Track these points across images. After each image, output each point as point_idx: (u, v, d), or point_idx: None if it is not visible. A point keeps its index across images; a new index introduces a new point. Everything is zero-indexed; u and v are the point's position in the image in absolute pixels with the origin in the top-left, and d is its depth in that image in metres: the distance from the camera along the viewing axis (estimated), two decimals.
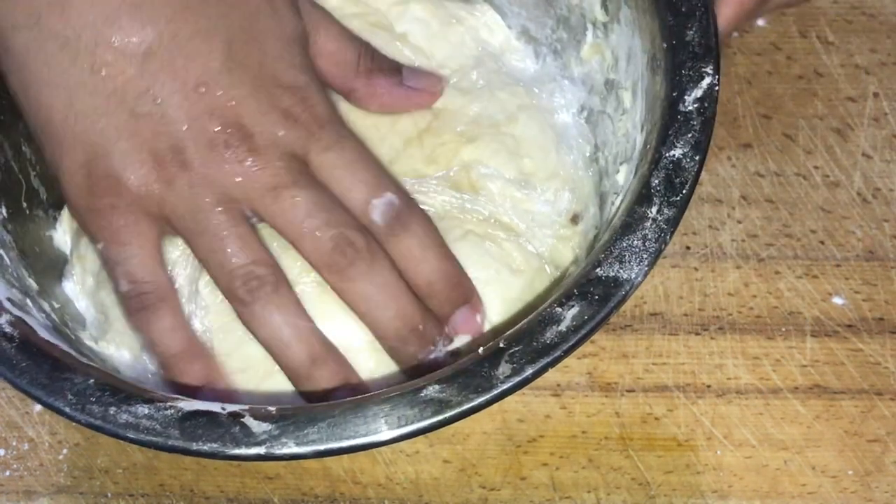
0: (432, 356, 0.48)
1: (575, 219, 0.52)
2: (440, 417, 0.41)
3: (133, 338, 0.50)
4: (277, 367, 0.48)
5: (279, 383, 0.48)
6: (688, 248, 0.56)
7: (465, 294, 0.48)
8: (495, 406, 0.42)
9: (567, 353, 0.42)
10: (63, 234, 0.54)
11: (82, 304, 0.52)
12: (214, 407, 0.42)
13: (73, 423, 0.52)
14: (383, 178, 0.48)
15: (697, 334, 0.55)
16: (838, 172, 0.58)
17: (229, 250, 0.45)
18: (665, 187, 0.44)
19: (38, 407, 0.54)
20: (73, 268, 0.53)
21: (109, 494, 0.52)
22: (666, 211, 0.44)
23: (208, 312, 0.49)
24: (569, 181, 0.52)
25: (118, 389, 0.43)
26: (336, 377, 0.46)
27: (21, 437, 0.54)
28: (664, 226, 0.44)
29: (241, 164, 0.45)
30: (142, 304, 0.46)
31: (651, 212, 0.44)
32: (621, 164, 0.49)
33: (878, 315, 0.55)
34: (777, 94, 0.60)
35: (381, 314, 0.46)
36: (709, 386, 0.54)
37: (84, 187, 0.46)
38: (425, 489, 0.52)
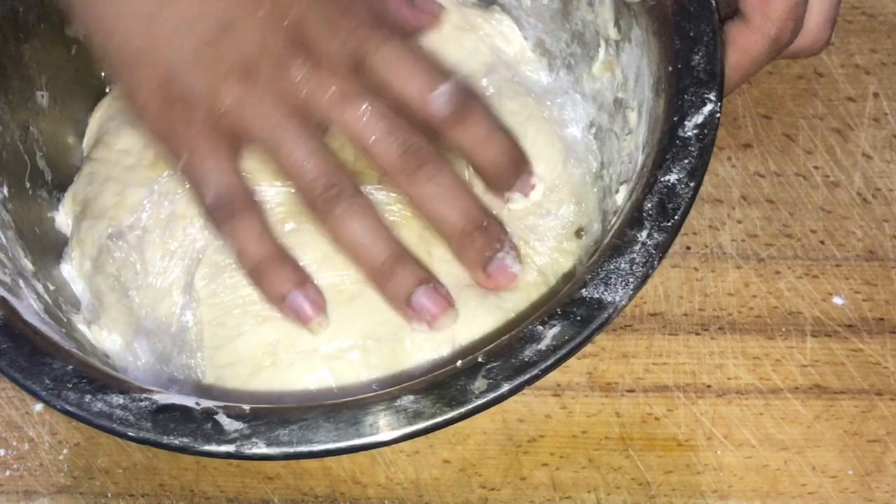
0: (499, 257, 0.49)
1: (579, 232, 0.52)
2: (413, 428, 0.41)
3: (125, 324, 0.50)
4: (266, 364, 0.48)
5: (267, 380, 0.48)
6: (688, 248, 0.56)
7: (524, 165, 0.51)
8: (495, 406, 0.42)
9: (545, 372, 0.42)
10: (65, 215, 0.54)
11: (78, 288, 0.53)
12: (189, 402, 0.42)
13: (74, 424, 0.52)
14: (435, 68, 0.50)
15: (697, 334, 0.55)
16: (838, 172, 0.58)
17: (307, 163, 0.48)
18: (657, 212, 0.44)
19: (39, 407, 0.54)
20: (72, 251, 0.53)
21: (109, 494, 0.52)
22: (656, 236, 0.44)
23: (200, 305, 0.49)
24: (575, 194, 0.52)
25: (95, 378, 0.43)
26: (417, 274, 0.48)
27: (21, 437, 0.54)
28: (653, 251, 0.43)
29: (309, 78, 0.47)
30: (229, 212, 0.48)
31: (641, 236, 0.44)
32: (621, 184, 0.49)
33: (878, 315, 0.55)
34: (777, 94, 0.60)
35: (448, 213, 0.48)
36: (709, 386, 0.54)
37: (161, 108, 0.48)
38: (425, 489, 0.52)
